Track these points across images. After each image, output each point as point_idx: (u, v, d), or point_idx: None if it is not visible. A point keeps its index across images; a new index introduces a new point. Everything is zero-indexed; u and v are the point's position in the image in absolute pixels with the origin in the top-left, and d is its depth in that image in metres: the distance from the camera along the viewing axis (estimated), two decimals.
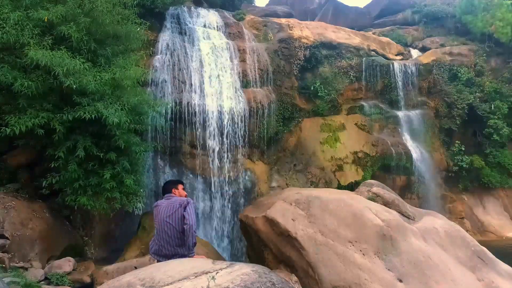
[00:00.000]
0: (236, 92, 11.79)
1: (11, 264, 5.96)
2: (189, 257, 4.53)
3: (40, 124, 6.42)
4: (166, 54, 11.35)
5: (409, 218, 6.71)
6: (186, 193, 5.00)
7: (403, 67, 15.07)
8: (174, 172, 10.94)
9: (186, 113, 10.80)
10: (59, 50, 6.60)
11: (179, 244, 4.52)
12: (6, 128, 6.21)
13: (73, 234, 7.84)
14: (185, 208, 4.56)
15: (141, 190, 7.80)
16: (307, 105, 13.67)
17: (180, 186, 5.00)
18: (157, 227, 4.67)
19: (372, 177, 12.49)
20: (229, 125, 11.39)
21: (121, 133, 7.11)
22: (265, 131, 12.14)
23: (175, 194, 4.92)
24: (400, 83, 14.89)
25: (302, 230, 5.74)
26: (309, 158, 13.17)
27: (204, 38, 12.48)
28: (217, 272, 3.78)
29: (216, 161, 11.20)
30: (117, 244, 8.60)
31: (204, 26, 13.11)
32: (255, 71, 12.49)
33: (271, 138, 12.50)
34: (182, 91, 11.11)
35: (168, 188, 4.97)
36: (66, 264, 6.56)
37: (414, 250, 5.77)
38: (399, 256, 5.60)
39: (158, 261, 4.60)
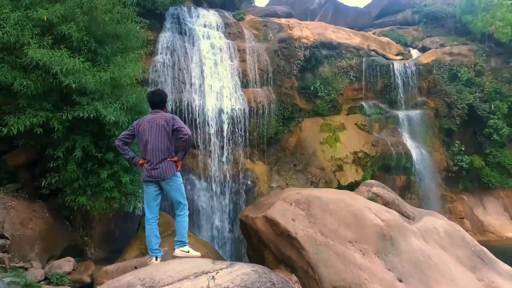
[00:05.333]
0: (236, 92, 11.80)
1: (11, 264, 5.96)
2: (178, 160, 4.93)
3: (39, 123, 6.41)
4: (166, 54, 11.36)
5: (409, 218, 6.71)
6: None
7: (403, 67, 15.08)
8: None
9: (186, 113, 10.81)
10: (59, 50, 6.60)
11: (167, 155, 4.87)
12: (3, 128, 6.20)
13: (73, 234, 7.83)
14: (173, 125, 4.84)
15: (140, 191, 7.78)
16: (307, 105, 13.68)
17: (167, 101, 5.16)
18: (143, 149, 4.92)
19: (372, 177, 12.50)
20: (229, 125, 11.40)
21: (120, 133, 7.11)
22: (265, 131, 12.15)
23: (164, 109, 5.11)
24: (400, 83, 14.90)
25: (302, 230, 5.74)
26: (309, 158, 13.17)
27: (204, 38, 12.48)
28: (217, 272, 3.78)
29: (216, 161, 11.21)
30: (117, 244, 8.58)
31: (204, 26, 13.11)
32: (255, 71, 12.49)
33: (271, 138, 12.50)
34: (182, 91, 11.12)
35: (162, 104, 5.10)
36: (66, 264, 6.54)
37: (414, 250, 5.77)
38: (399, 256, 5.60)
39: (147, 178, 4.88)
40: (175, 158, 4.94)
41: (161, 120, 4.85)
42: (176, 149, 5.04)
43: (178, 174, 5.05)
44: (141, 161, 5.03)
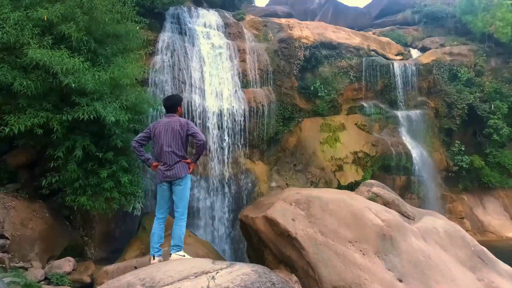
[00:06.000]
0: (236, 92, 11.80)
1: (11, 264, 5.96)
2: (191, 163, 5.13)
3: (39, 124, 6.41)
4: (166, 54, 11.35)
5: (409, 218, 6.71)
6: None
7: (403, 67, 15.09)
8: None
9: (186, 113, 10.80)
10: (59, 50, 6.60)
11: (182, 157, 5.09)
12: (4, 128, 6.21)
13: (73, 234, 7.83)
14: (187, 130, 5.03)
15: (139, 191, 7.79)
16: (307, 105, 13.68)
17: (181, 104, 5.41)
18: (158, 151, 5.12)
19: (372, 177, 12.49)
20: (229, 125, 11.40)
21: (120, 132, 7.12)
22: (265, 131, 12.14)
23: (178, 112, 5.31)
24: (400, 83, 14.91)
25: (302, 230, 5.74)
26: (309, 158, 13.17)
27: (204, 38, 12.48)
28: (217, 272, 3.79)
29: (216, 161, 11.20)
30: (117, 244, 8.59)
31: (204, 26, 13.11)
32: (255, 71, 12.49)
33: (271, 138, 12.49)
34: (182, 91, 11.11)
35: (174, 107, 5.28)
36: (66, 264, 6.54)
37: (414, 250, 5.77)
38: (399, 256, 5.60)
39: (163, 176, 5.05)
40: (189, 160, 5.16)
41: (176, 125, 5.06)
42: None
43: (190, 176, 5.23)
44: (155, 163, 5.21)
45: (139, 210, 8.40)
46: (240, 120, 11.56)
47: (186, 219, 5.16)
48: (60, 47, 6.70)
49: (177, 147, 5.04)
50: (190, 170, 5.17)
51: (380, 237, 5.76)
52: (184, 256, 5.02)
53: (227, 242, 10.98)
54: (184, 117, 10.69)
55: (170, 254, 5.06)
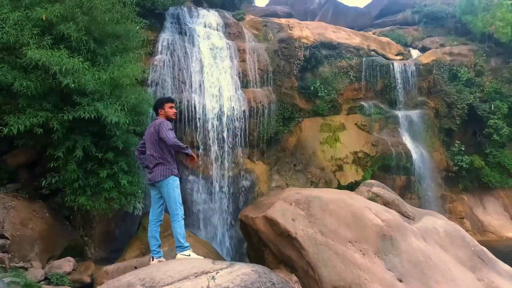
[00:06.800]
0: (236, 92, 11.79)
1: (11, 264, 5.96)
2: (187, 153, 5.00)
3: (39, 123, 6.41)
4: (166, 54, 11.35)
5: (409, 218, 6.71)
6: (174, 111, 5.40)
7: (403, 67, 15.08)
8: None
9: (186, 113, 10.80)
10: (58, 50, 6.60)
11: (160, 159, 5.08)
12: (3, 128, 6.20)
13: (73, 234, 7.83)
14: (158, 132, 5.01)
15: (139, 191, 7.80)
16: (307, 105, 13.68)
17: (167, 105, 5.34)
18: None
19: (372, 177, 12.49)
20: (229, 125, 11.40)
21: (121, 133, 7.12)
22: (265, 131, 12.14)
23: (161, 115, 5.32)
24: (400, 83, 14.90)
25: (302, 230, 5.74)
26: (309, 158, 13.17)
27: (204, 38, 12.48)
28: (217, 272, 3.79)
29: (216, 160, 11.20)
30: (117, 244, 8.59)
31: (204, 26, 13.11)
32: (255, 71, 12.49)
33: (271, 138, 12.49)
34: (182, 91, 11.11)
35: (155, 110, 5.41)
36: (66, 264, 6.55)
37: (414, 250, 5.76)
38: (399, 256, 5.60)
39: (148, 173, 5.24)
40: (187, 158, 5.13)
41: (152, 128, 5.15)
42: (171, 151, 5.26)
43: (173, 177, 5.13)
44: None
45: (139, 210, 8.40)
46: (240, 120, 11.55)
47: (180, 219, 5.05)
48: (59, 47, 6.70)
49: (154, 149, 5.11)
50: (195, 162, 5.18)
51: (380, 237, 5.75)
52: (189, 256, 4.94)
53: (227, 242, 10.98)
54: (184, 118, 10.78)
55: (176, 254, 5.04)
